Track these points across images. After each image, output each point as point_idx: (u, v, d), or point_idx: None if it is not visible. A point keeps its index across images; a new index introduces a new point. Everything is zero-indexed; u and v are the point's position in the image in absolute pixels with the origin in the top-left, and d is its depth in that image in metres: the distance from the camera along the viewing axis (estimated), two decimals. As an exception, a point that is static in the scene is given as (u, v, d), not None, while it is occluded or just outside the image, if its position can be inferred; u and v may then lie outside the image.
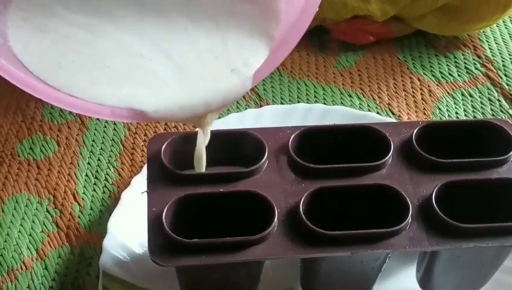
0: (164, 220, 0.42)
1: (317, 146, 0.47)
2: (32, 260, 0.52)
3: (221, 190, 0.44)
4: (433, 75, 0.67)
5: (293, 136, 0.47)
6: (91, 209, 0.55)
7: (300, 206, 0.43)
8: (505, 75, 0.66)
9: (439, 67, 0.67)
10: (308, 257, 0.42)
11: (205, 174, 0.45)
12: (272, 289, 0.50)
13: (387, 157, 0.46)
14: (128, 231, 0.50)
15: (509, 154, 0.46)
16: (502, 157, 0.46)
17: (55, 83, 0.40)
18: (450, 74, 0.67)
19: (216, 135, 0.45)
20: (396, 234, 0.42)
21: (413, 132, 0.47)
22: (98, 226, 0.54)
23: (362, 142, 0.48)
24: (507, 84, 0.65)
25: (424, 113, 0.63)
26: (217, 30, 0.43)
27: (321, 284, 0.47)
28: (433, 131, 0.48)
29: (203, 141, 0.43)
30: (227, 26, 0.43)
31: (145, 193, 0.44)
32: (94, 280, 0.51)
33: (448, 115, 0.63)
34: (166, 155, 0.45)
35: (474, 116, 0.63)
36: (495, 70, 0.67)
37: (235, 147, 0.47)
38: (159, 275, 0.48)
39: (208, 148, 0.45)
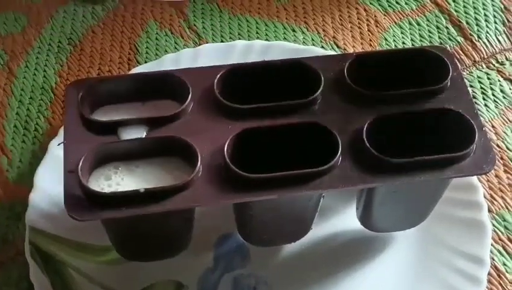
0: (80, 172, 0.39)
1: (248, 86, 0.45)
2: (-42, 217, 0.50)
3: (143, 136, 0.42)
4: (380, 5, 0.64)
5: (218, 75, 0.44)
6: (20, 161, 0.53)
7: (225, 149, 0.41)
8: (453, 1, 0.63)
9: (387, -4, 0.64)
10: (233, 202, 0.41)
11: (124, 121, 0.42)
12: (210, 234, 0.48)
13: (317, 94, 0.43)
14: (56, 183, 0.48)
15: (444, 82, 0.44)
16: (436, 87, 0.43)
17: None
18: (397, 3, 0.64)
19: (134, 78, 0.42)
20: (325, 173, 0.40)
21: (345, 65, 0.45)
22: (28, 180, 0.51)
23: (294, 79, 0.45)
24: (455, 11, 0.63)
25: (370, 45, 0.61)
26: None
27: (256, 228, 0.45)
28: (368, 63, 0.46)
29: None
30: None
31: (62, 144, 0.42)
32: (24, 234, 0.48)
33: (395, 46, 0.60)
34: (84, 102, 0.43)
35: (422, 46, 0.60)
36: (443, -4, 0.64)
37: (158, 89, 0.44)
38: (88, 227, 0.46)
39: (129, 91, 0.43)
